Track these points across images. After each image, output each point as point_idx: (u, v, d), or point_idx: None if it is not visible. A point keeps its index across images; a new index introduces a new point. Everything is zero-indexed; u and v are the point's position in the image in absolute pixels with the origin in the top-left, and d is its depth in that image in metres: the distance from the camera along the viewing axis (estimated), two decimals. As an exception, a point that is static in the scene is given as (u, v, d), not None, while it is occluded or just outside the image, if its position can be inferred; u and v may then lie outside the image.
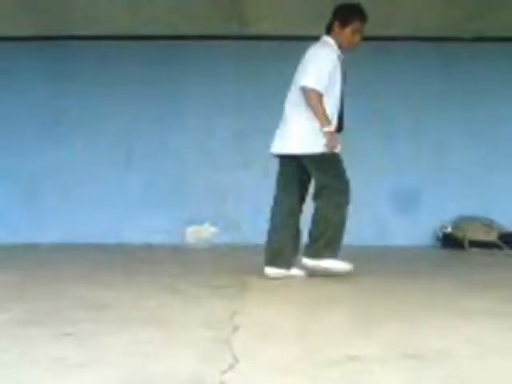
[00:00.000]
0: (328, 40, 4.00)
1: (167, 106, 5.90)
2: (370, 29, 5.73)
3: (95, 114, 5.88)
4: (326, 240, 3.89)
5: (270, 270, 3.95)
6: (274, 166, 5.88)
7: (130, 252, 5.26)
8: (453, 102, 5.90)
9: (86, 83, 5.88)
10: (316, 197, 3.95)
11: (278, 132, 4.11)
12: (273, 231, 4.02)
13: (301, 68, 3.97)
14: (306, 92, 3.84)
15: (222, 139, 5.87)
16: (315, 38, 5.78)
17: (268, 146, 5.85)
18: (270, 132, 5.83)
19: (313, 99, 3.82)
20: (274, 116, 5.83)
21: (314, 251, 3.90)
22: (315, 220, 3.92)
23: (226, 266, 4.54)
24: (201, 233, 5.85)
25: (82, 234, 5.70)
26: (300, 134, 3.95)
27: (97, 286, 3.61)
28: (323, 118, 3.82)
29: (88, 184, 5.87)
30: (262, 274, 4.03)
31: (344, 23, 3.96)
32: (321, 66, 3.85)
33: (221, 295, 3.36)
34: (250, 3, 5.75)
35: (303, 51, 5.78)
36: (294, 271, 3.98)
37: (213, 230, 5.84)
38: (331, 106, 3.92)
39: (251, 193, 5.81)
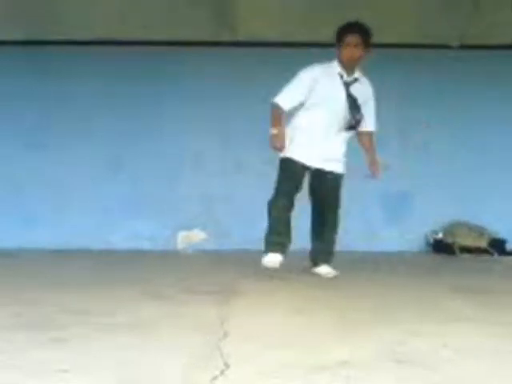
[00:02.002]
0: (333, 61, 4.25)
1: (156, 110, 5.88)
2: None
3: (83, 119, 5.85)
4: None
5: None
6: (267, 171, 5.91)
7: (118, 258, 5.23)
8: (441, 107, 5.92)
9: (73, 88, 5.85)
10: None
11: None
12: None
13: None
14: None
15: (214, 143, 5.86)
16: (306, 45, 5.89)
17: (261, 150, 5.90)
18: (262, 136, 5.86)
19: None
20: (265, 120, 5.89)
21: None
22: None
23: (215, 271, 4.52)
24: (190, 238, 5.82)
25: (69, 239, 5.66)
26: None
27: (84, 291, 3.57)
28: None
29: (75, 189, 5.84)
30: (251, 279, 4.03)
31: (338, 43, 4.20)
32: (291, 84, 4.24)
33: (210, 301, 3.34)
34: (242, 9, 5.76)
35: (294, 57, 5.89)
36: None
37: (203, 235, 5.82)
38: (313, 117, 4.15)
39: (243, 198, 5.80)
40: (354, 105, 4.15)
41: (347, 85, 4.18)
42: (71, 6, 5.81)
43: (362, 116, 4.19)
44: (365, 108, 4.20)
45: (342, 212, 5.82)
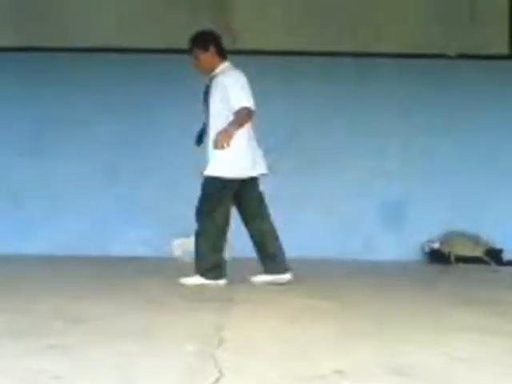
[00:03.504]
0: None
1: (154, 118, 5.88)
2: (357, 46, 5.86)
3: (79, 126, 5.84)
4: None
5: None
6: (266, 177, 5.89)
7: (115, 265, 5.21)
8: (440, 117, 5.94)
9: (70, 95, 5.85)
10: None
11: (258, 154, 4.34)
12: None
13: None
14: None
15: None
16: (305, 53, 5.91)
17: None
18: (262, 142, 5.85)
19: None
20: (266, 127, 5.89)
21: None
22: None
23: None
24: (187, 245, 5.80)
25: (66, 246, 5.64)
26: None
27: (80, 298, 3.57)
28: None
29: (73, 196, 5.83)
30: (248, 287, 4.02)
31: None
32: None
33: (207, 309, 3.34)
34: (241, 18, 5.78)
35: (293, 66, 5.91)
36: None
37: (200, 242, 5.79)
38: None
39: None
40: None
41: (207, 87, 4.31)
42: (68, 13, 5.83)
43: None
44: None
45: (339, 221, 5.87)
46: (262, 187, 4.35)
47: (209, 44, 4.26)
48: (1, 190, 5.83)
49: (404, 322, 3.11)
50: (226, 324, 2.93)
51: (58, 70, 5.86)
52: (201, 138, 4.39)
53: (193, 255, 4.36)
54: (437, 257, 5.71)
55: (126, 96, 5.84)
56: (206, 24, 5.80)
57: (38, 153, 5.83)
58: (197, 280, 4.11)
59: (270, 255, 4.23)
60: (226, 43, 5.77)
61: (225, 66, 4.28)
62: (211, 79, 4.27)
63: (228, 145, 3.92)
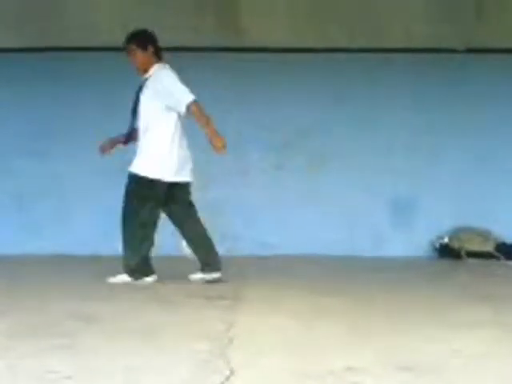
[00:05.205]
0: None
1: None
2: (363, 42, 5.83)
3: (85, 125, 5.83)
4: None
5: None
6: (274, 176, 5.89)
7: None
8: (448, 112, 5.90)
9: (73, 94, 5.83)
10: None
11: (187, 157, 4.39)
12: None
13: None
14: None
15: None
16: (310, 50, 5.89)
17: (268, 154, 5.88)
18: (267, 140, 5.85)
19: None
20: (271, 124, 5.89)
21: None
22: None
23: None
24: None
25: (74, 245, 5.64)
26: None
27: (88, 298, 3.57)
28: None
29: (81, 195, 5.82)
30: (257, 285, 4.01)
31: None
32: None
33: (216, 307, 3.33)
34: (246, 15, 5.76)
35: (299, 62, 5.89)
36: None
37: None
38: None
39: (247, 204, 5.78)
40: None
41: (140, 88, 4.30)
42: (74, 13, 5.82)
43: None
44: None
45: (349, 217, 5.85)
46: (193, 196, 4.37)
47: (148, 43, 4.26)
48: (8, 191, 5.84)
49: (413, 318, 3.10)
50: (235, 322, 2.93)
51: (61, 70, 5.85)
52: (128, 137, 4.48)
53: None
54: (447, 252, 5.68)
55: (132, 95, 5.82)
56: (210, 20, 5.84)
57: (44, 153, 5.82)
58: (124, 278, 4.15)
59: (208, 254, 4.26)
60: (232, 40, 5.81)
61: (159, 66, 4.27)
62: (145, 80, 4.27)
63: (223, 144, 4.11)
